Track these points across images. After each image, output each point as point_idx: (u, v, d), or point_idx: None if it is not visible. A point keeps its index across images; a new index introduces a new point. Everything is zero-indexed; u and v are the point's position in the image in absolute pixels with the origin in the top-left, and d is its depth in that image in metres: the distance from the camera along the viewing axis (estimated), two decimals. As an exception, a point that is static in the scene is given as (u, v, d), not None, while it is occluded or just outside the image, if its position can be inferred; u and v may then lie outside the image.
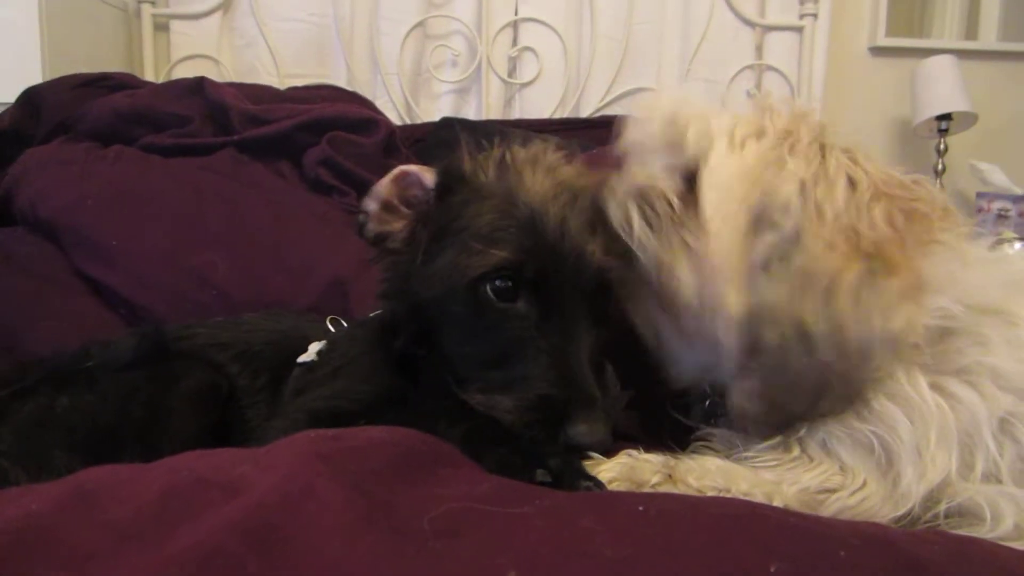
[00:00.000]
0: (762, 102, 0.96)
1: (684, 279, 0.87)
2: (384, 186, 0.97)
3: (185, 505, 0.61)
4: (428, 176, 0.95)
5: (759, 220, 0.86)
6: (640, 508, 0.65)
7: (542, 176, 0.91)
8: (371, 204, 0.97)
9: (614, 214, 0.91)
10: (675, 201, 0.90)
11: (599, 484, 0.77)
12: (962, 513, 0.80)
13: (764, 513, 0.68)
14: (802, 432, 0.86)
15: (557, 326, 0.85)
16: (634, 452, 0.87)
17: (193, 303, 1.51)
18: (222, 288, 1.53)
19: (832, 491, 0.82)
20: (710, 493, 0.81)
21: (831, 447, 0.84)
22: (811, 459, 0.85)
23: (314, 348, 1.07)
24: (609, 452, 0.85)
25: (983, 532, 0.77)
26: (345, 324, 1.14)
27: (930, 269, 0.86)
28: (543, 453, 0.78)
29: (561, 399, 0.82)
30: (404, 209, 0.97)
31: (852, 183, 0.87)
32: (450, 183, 0.93)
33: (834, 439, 0.84)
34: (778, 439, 0.88)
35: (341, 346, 1.06)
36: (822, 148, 0.90)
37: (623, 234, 0.90)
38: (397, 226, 0.97)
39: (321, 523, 0.59)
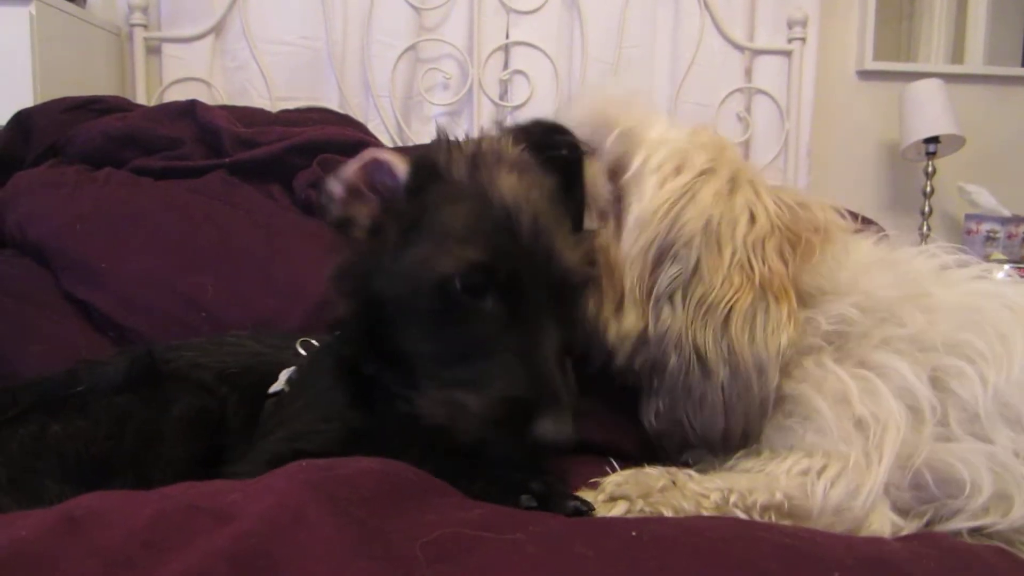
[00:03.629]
0: (695, 133, 1.06)
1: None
2: (352, 171, 0.93)
3: (175, 532, 0.61)
4: (399, 165, 0.92)
5: (665, 252, 0.96)
6: (633, 533, 0.65)
7: (511, 172, 0.89)
8: (337, 187, 0.94)
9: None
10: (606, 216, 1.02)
11: (586, 503, 0.76)
12: (944, 480, 0.86)
13: (759, 535, 0.67)
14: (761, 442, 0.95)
15: (525, 326, 0.83)
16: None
17: (182, 326, 1.50)
18: (212, 311, 1.52)
19: (806, 473, 0.87)
20: (714, 496, 0.83)
21: (790, 445, 0.92)
22: (780, 455, 0.91)
23: (284, 376, 1.03)
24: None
25: (964, 501, 0.84)
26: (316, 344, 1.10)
27: (825, 278, 0.99)
28: (523, 480, 0.77)
29: (528, 399, 0.80)
30: (370, 195, 0.93)
31: (753, 219, 0.97)
32: (423, 178, 0.90)
33: (785, 439, 0.93)
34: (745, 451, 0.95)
35: (306, 377, 1.02)
36: (733, 183, 0.99)
37: None
38: (362, 211, 0.93)
39: (312, 550, 0.59)
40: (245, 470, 0.88)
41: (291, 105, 2.46)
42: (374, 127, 2.48)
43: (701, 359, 0.92)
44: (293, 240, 1.68)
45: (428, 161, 0.91)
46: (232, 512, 0.63)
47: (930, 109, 2.85)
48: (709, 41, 2.79)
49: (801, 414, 0.92)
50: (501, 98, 2.73)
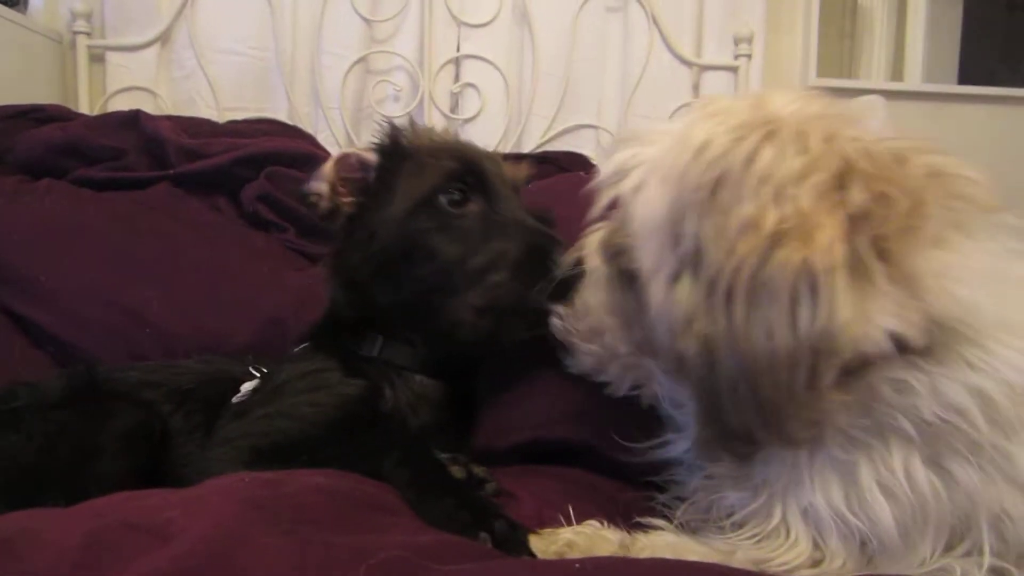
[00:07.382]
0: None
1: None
2: (328, 169, 1.09)
3: (110, 552, 0.59)
4: (368, 156, 1.09)
5: (672, 234, 0.71)
6: (576, 566, 0.65)
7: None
8: (321, 186, 1.09)
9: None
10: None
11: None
12: None
13: (700, 565, 0.68)
14: (784, 500, 0.78)
15: (504, 209, 1.04)
16: (596, 523, 0.85)
17: (127, 341, 1.47)
18: (157, 325, 1.49)
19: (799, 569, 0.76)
20: None
21: (818, 528, 0.76)
22: (788, 533, 0.77)
23: (247, 387, 1.07)
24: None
25: None
26: (265, 370, 1.13)
27: (932, 293, 0.70)
28: (489, 511, 0.77)
29: (539, 243, 1.00)
30: (345, 189, 1.10)
31: (784, 160, 0.71)
32: (392, 159, 1.08)
33: (821, 521, 0.76)
34: (759, 504, 0.79)
35: (276, 375, 1.07)
36: (770, 131, 0.74)
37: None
38: (346, 201, 1.09)
39: (252, 573, 0.58)
40: (225, 454, 0.95)
41: (239, 116, 2.42)
42: (324, 139, 2.46)
43: (705, 344, 0.67)
44: (240, 254, 1.66)
45: (393, 145, 1.10)
46: (170, 531, 0.62)
47: (871, 124, 2.90)
48: (658, 56, 2.81)
49: (864, 520, 0.73)
50: (452, 111, 2.73)
